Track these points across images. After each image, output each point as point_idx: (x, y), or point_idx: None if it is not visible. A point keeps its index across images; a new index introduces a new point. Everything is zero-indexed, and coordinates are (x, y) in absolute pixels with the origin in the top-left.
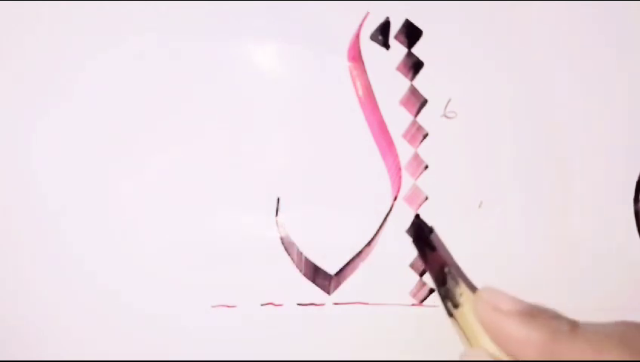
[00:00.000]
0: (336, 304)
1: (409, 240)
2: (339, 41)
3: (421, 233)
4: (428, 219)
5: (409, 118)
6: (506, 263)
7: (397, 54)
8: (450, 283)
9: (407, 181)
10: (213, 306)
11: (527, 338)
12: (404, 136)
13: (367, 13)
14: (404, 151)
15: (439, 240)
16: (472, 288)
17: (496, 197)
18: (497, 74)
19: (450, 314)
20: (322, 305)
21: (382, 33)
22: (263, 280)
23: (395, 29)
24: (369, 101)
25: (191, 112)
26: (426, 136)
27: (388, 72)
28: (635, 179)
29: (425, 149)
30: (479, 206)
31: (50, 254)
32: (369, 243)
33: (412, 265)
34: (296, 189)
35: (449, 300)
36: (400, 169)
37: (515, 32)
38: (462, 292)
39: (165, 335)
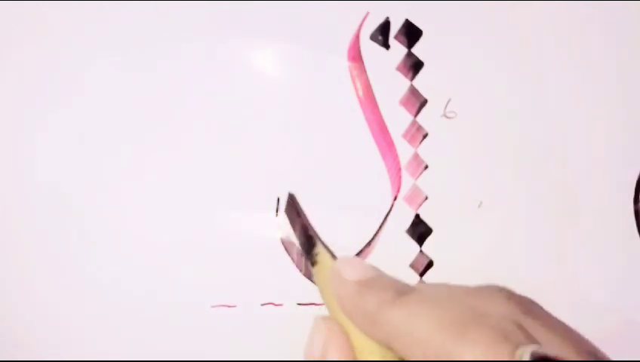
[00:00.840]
0: None
1: (409, 239)
2: (339, 41)
3: (293, 203)
4: (428, 219)
5: (409, 118)
6: (506, 263)
7: (397, 54)
8: (310, 243)
9: (407, 181)
10: (213, 306)
11: (357, 307)
12: (404, 136)
13: (367, 13)
14: (404, 151)
15: (300, 207)
16: (333, 255)
17: (495, 197)
18: (497, 74)
19: (310, 274)
20: (322, 304)
21: (382, 33)
22: (263, 280)
23: (395, 29)
24: (369, 101)
25: (191, 112)
26: (425, 136)
27: (388, 72)
28: (635, 179)
29: (425, 149)
30: (479, 206)
31: (49, 254)
32: (369, 243)
33: (412, 265)
34: (297, 189)
35: (308, 259)
36: (400, 169)
37: (514, 32)
38: (318, 252)
39: (166, 334)
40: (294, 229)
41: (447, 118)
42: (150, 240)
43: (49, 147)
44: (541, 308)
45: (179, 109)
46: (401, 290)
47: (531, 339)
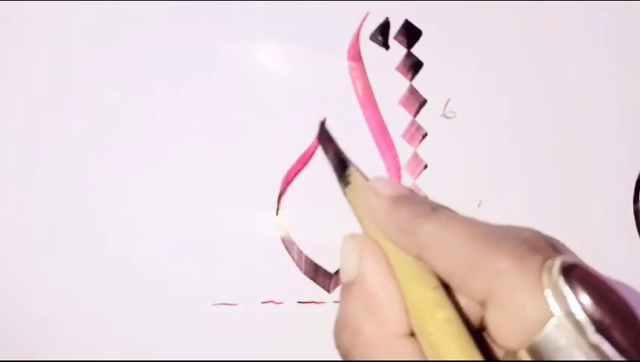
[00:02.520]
0: (336, 302)
1: None
2: (339, 41)
3: (325, 130)
4: None
5: (408, 117)
6: None
7: (396, 54)
8: (342, 165)
9: (406, 180)
10: (214, 304)
11: (391, 220)
12: (404, 135)
13: (367, 14)
14: (404, 150)
15: (331, 133)
16: (365, 177)
17: (495, 197)
18: (497, 74)
19: (345, 194)
20: (323, 303)
21: (382, 33)
22: (264, 278)
23: (394, 29)
24: (369, 101)
25: (190, 111)
26: (425, 135)
27: (387, 72)
28: (635, 179)
29: (424, 149)
30: (479, 206)
31: (48, 253)
32: None
33: None
34: (297, 188)
35: (341, 180)
36: (399, 168)
37: (514, 32)
38: (351, 173)
39: (166, 333)
40: (327, 154)
41: (447, 117)
42: (150, 239)
43: (48, 145)
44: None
45: (178, 109)
46: (435, 206)
47: (560, 253)
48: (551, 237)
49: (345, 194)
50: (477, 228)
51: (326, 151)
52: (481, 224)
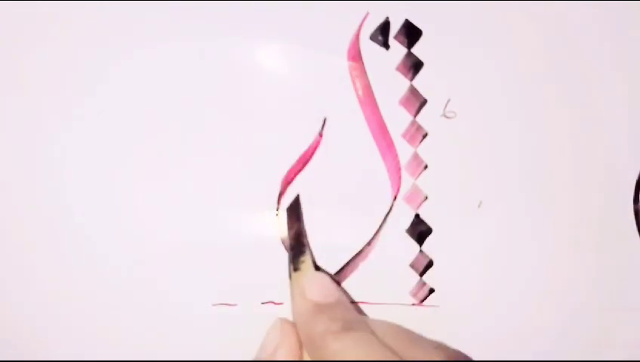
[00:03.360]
0: None
1: (409, 239)
2: (339, 41)
3: (297, 206)
4: (427, 219)
5: (409, 117)
6: (506, 263)
7: (397, 54)
8: (299, 249)
9: (406, 181)
10: (214, 304)
11: (306, 327)
12: (404, 135)
13: (367, 13)
14: (404, 150)
15: (301, 212)
16: (316, 266)
17: (496, 197)
18: (497, 74)
19: (290, 276)
20: None
21: (382, 33)
22: (264, 279)
23: (395, 29)
24: (369, 101)
25: (190, 111)
26: (425, 135)
27: (388, 72)
28: (635, 179)
29: (424, 149)
30: (479, 206)
31: (49, 253)
32: (369, 243)
33: (412, 265)
34: (296, 189)
35: (293, 263)
36: (400, 169)
37: (515, 32)
38: (304, 260)
39: (166, 333)
40: (289, 230)
41: (447, 117)
42: (150, 239)
43: (48, 144)
44: None
45: (178, 108)
46: (348, 325)
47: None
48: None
49: (289, 276)
50: (379, 356)
51: (289, 227)
52: (380, 351)
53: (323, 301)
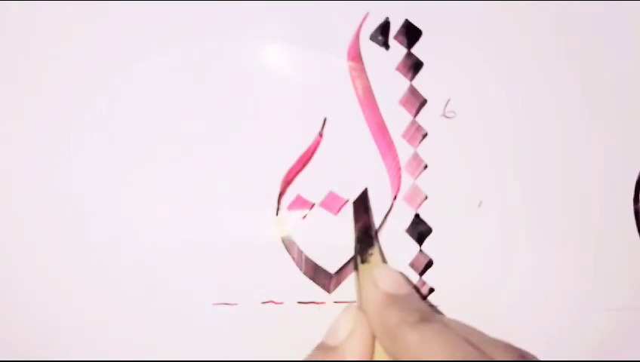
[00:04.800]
0: (336, 302)
1: (409, 239)
2: (339, 41)
3: (365, 199)
4: (427, 219)
5: (408, 117)
6: (506, 263)
7: (396, 54)
8: (368, 241)
9: (406, 180)
10: (214, 304)
11: (378, 316)
12: (404, 135)
13: (367, 13)
14: (404, 150)
15: (370, 204)
16: (384, 259)
17: (495, 196)
18: (497, 74)
19: (356, 267)
20: (323, 303)
21: (382, 33)
22: (264, 278)
23: (394, 29)
24: (369, 101)
25: (190, 111)
26: (425, 135)
27: (387, 72)
28: (635, 179)
29: (424, 149)
30: (479, 205)
31: (50, 252)
32: None
33: (412, 265)
34: (297, 189)
35: (360, 255)
36: (400, 168)
37: (514, 32)
38: (373, 253)
39: (166, 332)
40: (357, 223)
41: (447, 117)
42: (150, 239)
43: (48, 144)
44: None
45: (178, 109)
46: (425, 317)
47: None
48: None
49: (356, 268)
50: (457, 350)
51: (356, 220)
52: (463, 345)
53: (396, 292)
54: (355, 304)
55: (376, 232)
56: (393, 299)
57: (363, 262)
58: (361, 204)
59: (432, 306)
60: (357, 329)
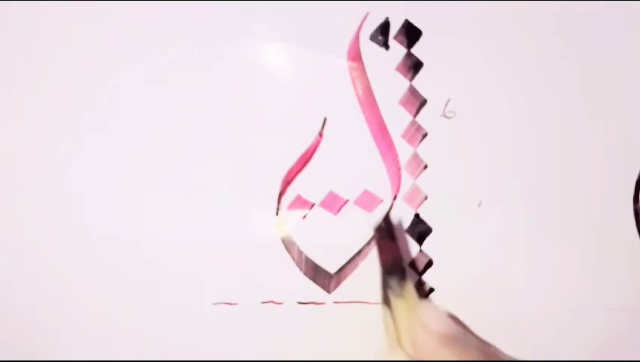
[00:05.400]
0: (336, 303)
1: (409, 239)
2: (339, 41)
3: (388, 226)
4: (427, 219)
5: (408, 117)
6: (506, 263)
7: (396, 54)
8: (399, 274)
9: (406, 180)
10: (214, 303)
11: (438, 356)
12: (404, 135)
13: (367, 13)
14: (404, 150)
15: (403, 235)
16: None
17: (495, 196)
18: (497, 74)
19: (387, 302)
20: (323, 303)
21: (382, 33)
22: (264, 278)
23: (394, 29)
24: (369, 101)
25: (190, 111)
26: (425, 135)
27: (387, 72)
28: (635, 179)
29: (424, 149)
30: (479, 205)
31: (50, 252)
32: (369, 243)
33: (412, 265)
34: (297, 189)
35: (393, 289)
36: (399, 168)
37: (514, 32)
38: (407, 288)
39: (166, 332)
40: (382, 254)
41: (447, 117)
42: (152, 238)
43: (48, 144)
44: None
45: (178, 109)
46: (487, 352)
47: None
48: None
49: (387, 303)
50: None
51: (381, 250)
52: None
53: (449, 332)
54: (388, 343)
55: (405, 263)
56: (449, 340)
57: (398, 296)
58: (386, 231)
59: (486, 343)
60: None
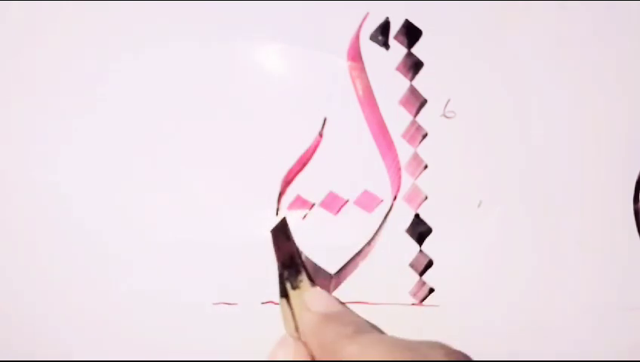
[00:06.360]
0: None
1: (409, 239)
2: (339, 41)
3: (284, 228)
4: (427, 219)
5: (408, 117)
6: (505, 262)
7: (397, 54)
8: (295, 268)
9: (406, 180)
10: (214, 304)
11: (317, 336)
12: (404, 135)
13: (367, 14)
14: (404, 150)
15: (291, 232)
16: (312, 282)
17: (495, 197)
18: (497, 74)
19: (284, 295)
20: None
21: (382, 33)
22: (264, 278)
23: (395, 29)
24: (369, 101)
25: (191, 111)
26: (425, 135)
27: (388, 72)
28: (635, 179)
29: (424, 149)
30: (478, 205)
31: (50, 253)
32: (369, 243)
33: (412, 265)
34: (297, 189)
35: (290, 281)
36: (400, 168)
37: (514, 33)
38: (302, 279)
39: (167, 332)
40: (279, 251)
41: (447, 117)
42: (151, 239)
43: (48, 143)
44: None
45: (178, 108)
46: (360, 328)
47: None
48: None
49: (286, 296)
50: (394, 353)
51: (278, 248)
52: (398, 349)
53: (329, 311)
54: (286, 333)
55: (300, 257)
56: (327, 318)
57: (294, 288)
58: (281, 232)
59: (366, 321)
60: (297, 358)
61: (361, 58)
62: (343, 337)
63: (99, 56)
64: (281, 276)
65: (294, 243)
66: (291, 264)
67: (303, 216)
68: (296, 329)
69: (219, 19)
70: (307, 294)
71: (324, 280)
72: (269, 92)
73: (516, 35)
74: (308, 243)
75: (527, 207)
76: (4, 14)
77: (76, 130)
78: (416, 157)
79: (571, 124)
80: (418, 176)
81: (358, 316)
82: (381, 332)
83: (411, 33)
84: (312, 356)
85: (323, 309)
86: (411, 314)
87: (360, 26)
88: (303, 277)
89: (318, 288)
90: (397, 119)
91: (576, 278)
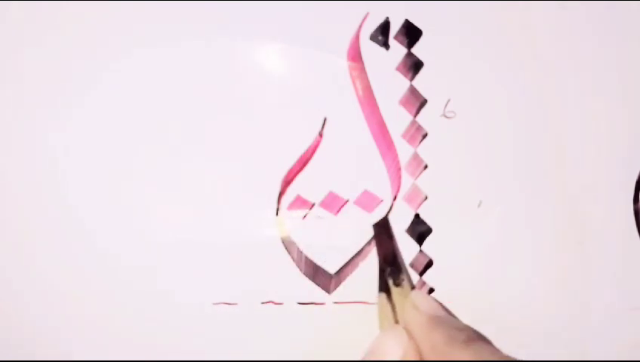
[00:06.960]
0: (336, 303)
1: (409, 239)
2: (339, 41)
3: (385, 225)
4: (427, 219)
5: (408, 117)
6: (506, 263)
7: (397, 54)
8: (398, 266)
9: (406, 181)
10: (214, 303)
11: (426, 337)
12: (404, 135)
13: (367, 13)
14: (404, 150)
15: (393, 231)
16: (411, 283)
17: (495, 196)
18: (497, 74)
19: (386, 290)
20: (322, 304)
21: (382, 33)
22: (264, 278)
23: (394, 29)
24: (369, 101)
25: (191, 111)
26: (425, 135)
27: (388, 72)
28: (635, 179)
29: (424, 149)
30: (479, 205)
31: (49, 252)
32: (369, 243)
33: (412, 265)
34: (297, 189)
35: (392, 278)
36: (399, 168)
37: (514, 32)
38: (404, 278)
39: (166, 332)
40: (382, 248)
41: (447, 117)
42: (150, 239)
43: (48, 143)
44: None
45: (178, 108)
46: (472, 336)
47: None
48: None
49: (387, 291)
50: None
51: (380, 244)
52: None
53: (437, 313)
54: (398, 326)
55: (402, 258)
56: (436, 320)
57: (397, 285)
58: (384, 230)
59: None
60: (408, 352)
61: (361, 58)
62: (457, 341)
63: (98, 56)
64: (382, 271)
65: (396, 242)
66: (394, 261)
67: (303, 216)
68: (395, 323)
69: (218, 19)
70: (414, 294)
71: (324, 280)
72: (269, 92)
73: (516, 35)
74: (308, 243)
75: (527, 207)
76: (4, 14)
77: (76, 130)
78: (416, 157)
79: (571, 124)
80: (418, 176)
81: (466, 324)
82: (489, 342)
83: (411, 33)
84: (419, 352)
85: (432, 311)
86: None
87: (360, 26)
88: (405, 276)
89: (419, 291)
90: (397, 119)
91: (576, 278)
